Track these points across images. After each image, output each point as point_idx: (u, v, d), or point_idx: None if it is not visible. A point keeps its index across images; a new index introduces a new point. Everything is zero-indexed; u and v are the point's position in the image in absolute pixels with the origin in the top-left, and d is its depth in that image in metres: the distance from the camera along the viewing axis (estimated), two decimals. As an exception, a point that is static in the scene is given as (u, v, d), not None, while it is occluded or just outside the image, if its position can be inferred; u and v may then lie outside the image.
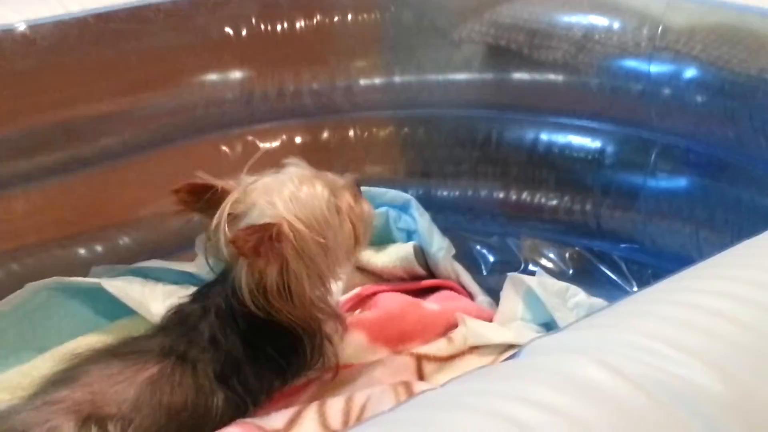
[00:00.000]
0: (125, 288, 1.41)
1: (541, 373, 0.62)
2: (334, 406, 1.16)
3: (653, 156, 1.51)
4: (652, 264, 1.54)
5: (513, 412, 0.57)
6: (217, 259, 1.18)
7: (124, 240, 1.62)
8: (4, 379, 1.31)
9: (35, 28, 1.46)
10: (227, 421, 1.12)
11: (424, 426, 0.57)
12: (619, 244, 1.59)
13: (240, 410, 1.14)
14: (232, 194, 1.14)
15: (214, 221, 1.13)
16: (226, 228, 1.11)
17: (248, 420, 1.14)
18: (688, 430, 0.56)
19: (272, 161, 1.24)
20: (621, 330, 0.65)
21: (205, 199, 1.14)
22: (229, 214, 1.12)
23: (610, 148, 1.57)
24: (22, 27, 1.45)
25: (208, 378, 1.11)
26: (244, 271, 1.11)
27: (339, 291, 1.42)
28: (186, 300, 1.20)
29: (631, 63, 1.47)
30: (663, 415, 0.57)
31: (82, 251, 1.57)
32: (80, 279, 1.43)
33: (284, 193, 1.14)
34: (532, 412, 0.57)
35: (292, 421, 1.14)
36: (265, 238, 1.08)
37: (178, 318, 1.18)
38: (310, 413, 1.15)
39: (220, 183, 1.15)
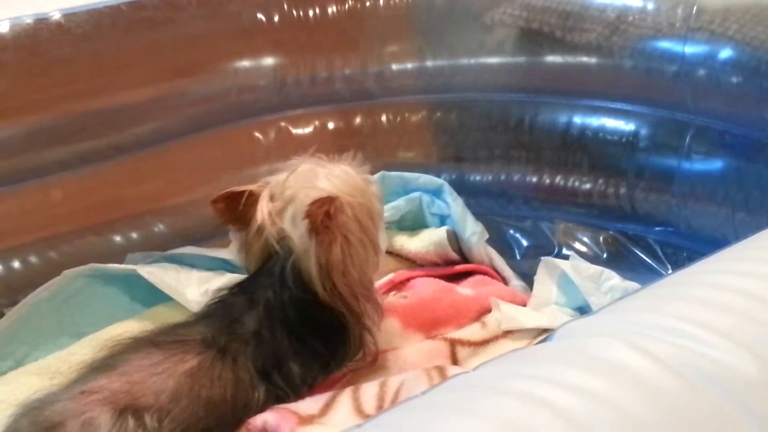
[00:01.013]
0: (160, 274, 1.42)
1: (574, 356, 0.62)
2: (368, 391, 1.16)
3: (688, 138, 1.49)
4: (687, 247, 1.53)
5: (546, 395, 0.57)
6: (256, 256, 1.19)
7: (159, 227, 1.63)
8: (43, 365, 1.32)
9: (69, 16, 1.48)
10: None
11: (457, 409, 0.57)
12: (654, 227, 1.57)
13: (281, 402, 1.14)
14: (265, 191, 1.16)
15: (257, 219, 1.14)
16: (276, 219, 1.13)
17: (284, 406, 1.14)
18: (721, 411, 0.56)
19: (306, 147, 1.25)
20: (653, 313, 0.65)
21: (241, 206, 1.16)
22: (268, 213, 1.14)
23: (644, 131, 1.56)
24: (56, 16, 1.47)
25: (249, 372, 1.11)
26: (313, 249, 1.12)
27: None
28: (229, 291, 1.20)
29: (665, 44, 1.46)
30: (695, 396, 0.57)
31: (117, 238, 1.59)
32: (116, 266, 1.44)
33: (320, 175, 1.16)
34: (564, 394, 0.57)
35: (327, 406, 1.14)
36: (328, 213, 1.10)
37: (221, 309, 1.17)
38: (345, 398, 1.15)
39: (251, 187, 1.17)
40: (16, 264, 1.50)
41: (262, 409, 1.11)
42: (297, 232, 1.13)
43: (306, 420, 1.11)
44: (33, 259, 1.51)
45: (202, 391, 1.07)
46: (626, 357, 0.59)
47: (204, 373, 1.08)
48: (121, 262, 1.48)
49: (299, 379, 1.16)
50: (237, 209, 1.17)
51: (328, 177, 1.16)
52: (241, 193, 1.16)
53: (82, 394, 1.02)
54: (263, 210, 1.14)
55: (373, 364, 1.25)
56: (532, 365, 0.62)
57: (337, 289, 1.14)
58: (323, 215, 1.10)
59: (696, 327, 0.61)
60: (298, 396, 1.16)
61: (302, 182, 1.16)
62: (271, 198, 1.16)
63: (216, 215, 1.18)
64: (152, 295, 1.41)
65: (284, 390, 1.14)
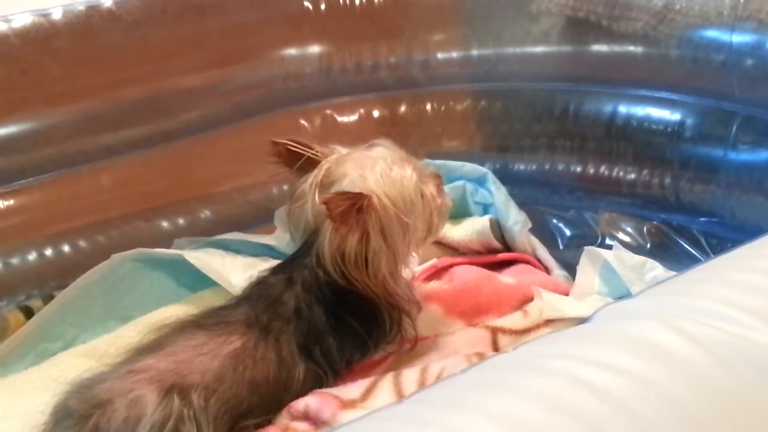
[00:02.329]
0: (206, 260, 1.43)
1: (613, 337, 0.62)
2: (409, 376, 1.17)
3: (734, 128, 1.48)
4: (732, 238, 1.51)
5: (585, 375, 0.57)
6: (298, 226, 1.21)
7: (205, 213, 1.65)
8: (91, 347, 1.34)
9: (120, 3, 1.50)
10: (307, 391, 1.13)
11: (495, 386, 0.58)
12: (699, 217, 1.56)
13: (320, 381, 1.15)
14: (326, 161, 1.17)
15: (307, 183, 1.16)
16: (317, 192, 1.14)
17: (325, 390, 1.15)
18: (759, 392, 0.56)
19: (351, 135, 1.26)
20: (693, 296, 0.65)
21: (298, 162, 1.17)
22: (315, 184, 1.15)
23: (689, 121, 1.54)
24: (108, 3, 1.49)
25: (291, 350, 1.13)
26: (328, 235, 1.13)
27: (413, 267, 1.42)
28: (269, 272, 1.22)
29: (712, 33, 1.44)
30: (733, 377, 0.57)
31: (164, 224, 1.62)
32: (163, 250, 1.46)
33: (376, 169, 1.16)
34: (604, 374, 0.57)
35: (368, 392, 1.15)
36: (355, 207, 1.10)
37: (262, 289, 1.19)
38: (386, 384, 1.16)
39: (315, 148, 1.18)
40: (66, 248, 1.53)
41: (302, 388, 1.13)
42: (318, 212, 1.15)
43: (348, 404, 1.12)
44: (82, 243, 1.54)
45: (246, 371, 1.08)
46: (666, 339, 0.60)
47: (248, 354, 1.09)
48: (167, 248, 1.50)
49: (338, 356, 1.17)
50: (294, 163, 1.18)
51: (382, 174, 1.16)
52: (304, 152, 1.17)
53: (129, 373, 1.04)
54: (318, 176, 1.16)
55: (413, 350, 1.26)
56: (572, 345, 0.62)
57: (351, 276, 1.15)
58: (346, 207, 1.10)
59: (736, 310, 0.61)
60: (336, 374, 1.17)
61: (360, 166, 1.17)
62: (327, 170, 1.17)
63: (272, 154, 1.19)
64: (198, 280, 1.42)
65: (324, 368, 1.15)
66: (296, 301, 1.16)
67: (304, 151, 1.18)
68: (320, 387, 1.15)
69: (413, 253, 1.28)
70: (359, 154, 1.19)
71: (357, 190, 1.12)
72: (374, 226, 1.13)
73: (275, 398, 1.12)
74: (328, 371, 1.16)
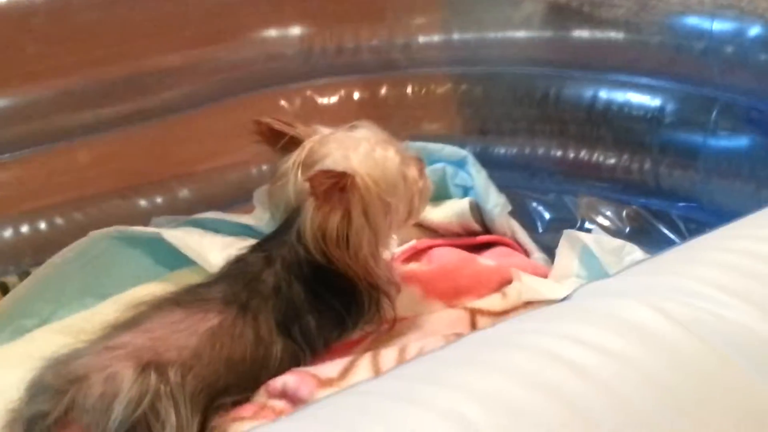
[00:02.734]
0: (184, 238, 1.43)
1: (592, 315, 0.62)
2: (388, 356, 1.17)
3: (714, 114, 1.48)
4: (710, 222, 1.48)
5: (563, 352, 0.57)
6: (279, 205, 1.20)
7: (184, 192, 1.65)
8: (68, 324, 1.34)
9: (99, -19, 1.49)
10: (285, 370, 1.14)
11: (473, 361, 0.58)
12: (678, 202, 1.57)
13: (297, 359, 1.15)
14: (308, 141, 1.17)
15: (289, 162, 1.16)
16: (299, 171, 1.14)
17: (303, 369, 1.15)
18: (737, 372, 0.56)
19: (331, 116, 1.26)
20: (671, 275, 0.65)
21: (281, 142, 1.17)
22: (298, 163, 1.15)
23: (670, 106, 1.55)
24: (87, -20, 1.48)
25: (269, 328, 1.13)
26: (310, 213, 1.13)
27: (392, 250, 1.42)
28: (248, 250, 1.22)
29: (693, 20, 1.45)
30: (712, 356, 0.57)
31: (142, 202, 1.61)
32: (141, 228, 1.46)
33: (360, 149, 1.16)
34: (582, 351, 0.57)
35: (346, 371, 1.15)
36: (338, 186, 1.10)
37: (240, 267, 1.18)
38: (364, 363, 1.16)
39: (298, 128, 1.18)
40: (42, 225, 1.53)
41: (279, 366, 1.13)
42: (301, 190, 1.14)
43: (325, 383, 1.12)
44: (59, 220, 1.53)
45: (223, 349, 1.08)
46: (645, 317, 0.60)
47: (225, 331, 1.09)
48: (145, 226, 1.50)
49: (317, 334, 1.17)
50: (277, 142, 1.18)
51: (366, 155, 1.16)
52: (287, 131, 1.17)
53: (106, 349, 1.04)
54: (300, 156, 1.15)
55: (391, 330, 1.26)
56: (551, 323, 0.62)
57: (332, 254, 1.15)
58: (329, 185, 1.10)
59: (715, 290, 0.61)
60: (314, 353, 1.17)
61: (343, 146, 1.16)
62: (311, 149, 1.17)
63: (255, 133, 1.18)
64: (176, 259, 1.42)
65: (302, 346, 1.15)
66: (275, 278, 1.15)
67: (288, 129, 1.17)
68: (298, 365, 1.15)
69: (393, 235, 1.28)
70: (342, 135, 1.19)
71: (341, 169, 1.12)
72: (357, 206, 1.13)
73: (252, 376, 1.11)
74: (306, 349, 1.16)
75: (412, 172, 1.24)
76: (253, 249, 1.21)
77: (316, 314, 1.17)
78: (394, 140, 1.22)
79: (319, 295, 1.17)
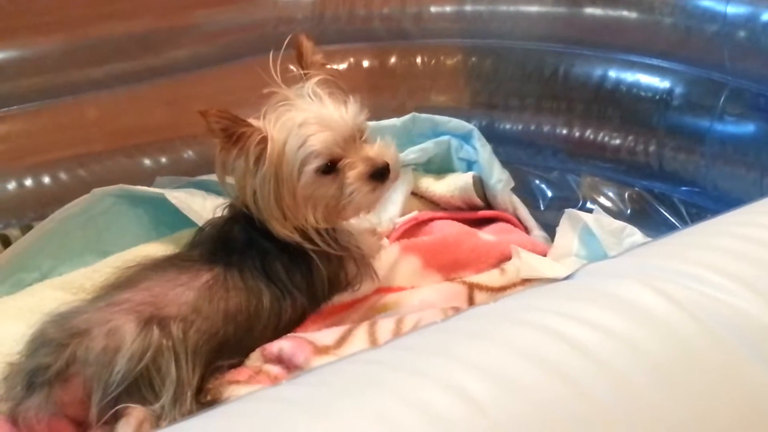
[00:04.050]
0: (187, 200, 1.43)
1: (593, 294, 0.62)
2: (384, 326, 1.18)
3: (722, 99, 1.48)
4: (712, 209, 1.52)
5: (564, 329, 0.58)
6: None
7: (188, 153, 1.64)
8: (69, 280, 1.35)
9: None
10: (274, 320, 1.16)
11: (473, 334, 0.59)
12: (681, 186, 1.57)
13: (282, 307, 1.17)
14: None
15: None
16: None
17: (300, 335, 1.16)
18: (735, 355, 0.57)
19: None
20: (674, 258, 0.65)
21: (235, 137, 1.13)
22: None
23: (678, 89, 1.55)
24: (100, -67, 1.47)
25: (255, 278, 1.15)
26: (217, 154, 1.14)
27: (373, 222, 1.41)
28: (219, 215, 1.23)
29: (707, 3, 1.45)
30: (711, 340, 0.57)
31: (146, 161, 1.61)
32: (144, 188, 1.45)
33: (297, 119, 1.14)
34: (582, 329, 0.58)
35: (343, 339, 1.16)
36: (239, 131, 1.11)
37: (212, 230, 1.21)
38: (360, 332, 1.17)
39: (253, 122, 1.14)
40: (46, 179, 1.53)
41: (269, 315, 1.15)
42: None
43: (321, 350, 1.13)
44: (63, 175, 1.54)
45: (220, 302, 1.11)
46: (644, 298, 0.60)
47: (220, 285, 1.12)
48: (149, 185, 1.49)
49: (295, 279, 1.18)
50: (231, 137, 1.13)
51: (303, 123, 1.13)
52: (240, 125, 1.13)
53: (107, 305, 1.05)
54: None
55: (389, 299, 1.27)
56: (552, 300, 0.63)
57: (251, 208, 1.15)
58: (225, 125, 1.11)
59: (715, 274, 0.62)
60: (293, 299, 1.18)
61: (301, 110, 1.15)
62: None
63: (207, 127, 1.13)
64: (178, 220, 1.42)
65: (283, 292, 1.17)
66: (245, 233, 1.17)
67: (233, 127, 1.13)
68: (279, 311, 1.17)
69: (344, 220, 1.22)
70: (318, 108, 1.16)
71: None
72: (269, 164, 1.12)
73: (248, 326, 1.14)
74: (286, 295, 1.17)
75: (357, 174, 1.15)
76: (222, 211, 1.22)
77: (286, 260, 1.18)
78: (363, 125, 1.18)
79: (284, 245, 1.18)
